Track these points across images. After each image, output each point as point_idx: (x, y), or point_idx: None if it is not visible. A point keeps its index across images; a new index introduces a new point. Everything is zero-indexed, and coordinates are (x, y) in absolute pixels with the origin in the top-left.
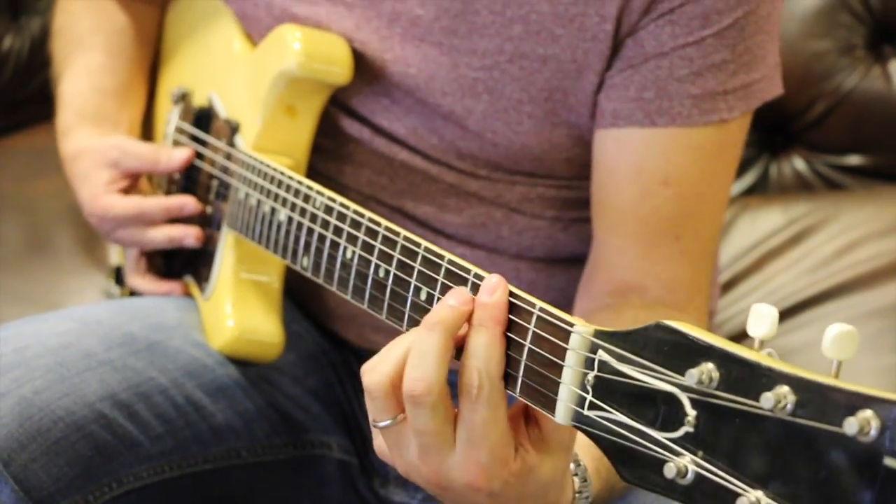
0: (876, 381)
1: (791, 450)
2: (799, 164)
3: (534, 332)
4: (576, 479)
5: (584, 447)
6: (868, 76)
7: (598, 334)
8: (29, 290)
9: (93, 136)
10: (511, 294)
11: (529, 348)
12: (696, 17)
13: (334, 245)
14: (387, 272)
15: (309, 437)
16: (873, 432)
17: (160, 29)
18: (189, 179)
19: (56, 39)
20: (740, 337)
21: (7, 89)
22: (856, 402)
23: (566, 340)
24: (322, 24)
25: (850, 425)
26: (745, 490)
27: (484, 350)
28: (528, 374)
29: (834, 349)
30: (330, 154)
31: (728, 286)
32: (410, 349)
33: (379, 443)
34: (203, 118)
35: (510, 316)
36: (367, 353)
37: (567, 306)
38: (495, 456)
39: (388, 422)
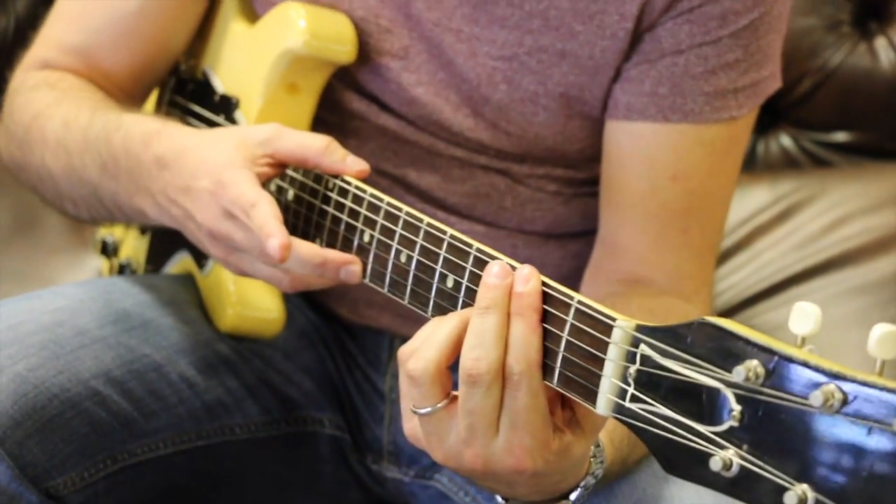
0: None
1: (839, 446)
2: (786, 140)
3: (572, 324)
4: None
5: None
6: (854, 53)
7: (641, 329)
8: (19, 268)
9: (198, 130)
10: (547, 286)
11: (568, 340)
12: (715, 18)
13: (350, 228)
14: (409, 258)
15: (301, 414)
16: None
17: None
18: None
19: (66, 114)
20: (728, 313)
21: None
22: None
23: (608, 334)
24: (331, 4)
25: None
26: (791, 484)
27: (523, 338)
28: (567, 365)
29: (879, 348)
30: (332, 127)
31: (716, 262)
32: (468, 331)
33: (412, 429)
34: (198, 92)
35: (546, 307)
36: (359, 329)
37: (562, 282)
38: (537, 439)
39: (429, 409)
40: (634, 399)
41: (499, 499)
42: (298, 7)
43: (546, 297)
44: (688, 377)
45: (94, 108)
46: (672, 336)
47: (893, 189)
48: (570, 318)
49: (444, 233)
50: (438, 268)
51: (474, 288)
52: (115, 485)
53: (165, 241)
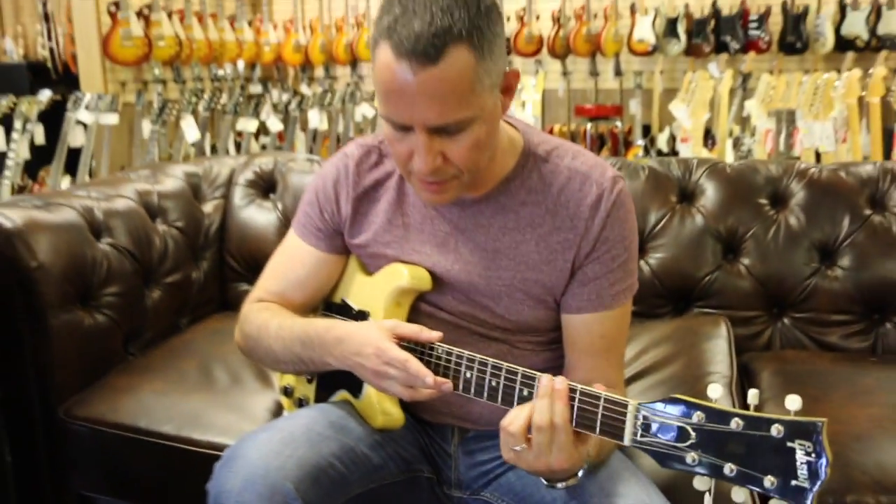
0: None
1: (745, 446)
2: None
3: (603, 406)
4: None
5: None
6: None
7: (640, 405)
8: (234, 403)
9: (356, 322)
10: (584, 390)
11: (602, 413)
12: (609, 260)
13: (456, 371)
14: (497, 383)
15: (413, 468)
16: (783, 434)
17: None
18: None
19: (279, 321)
20: None
21: (195, 300)
22: (773, 421)
23: (625, 409)
24: (415, 263)
25: (773, 430)
26: (724, 464)
27: (560, 410)
28: (603, 426)
29: (753, 399)
30: (413, 322)
31: None
32: (535, 409)
33: (511, 457)
34: (340, 310)
35: (586, 398)
36: (435, 424)
37: None
38: (570, 453)
39: (520, 448)
40: (643, 436)
41: (543, 481)
42: (402, 265)
43: (587, 394)
44: (668, 422)
45: (292, 318)
46: (657, 405)
47: (659, 336)
48: (601, 403)
49: (502, 366)
50: (517, 386)
51: (524, 391)
52: None
53: (326, 386)
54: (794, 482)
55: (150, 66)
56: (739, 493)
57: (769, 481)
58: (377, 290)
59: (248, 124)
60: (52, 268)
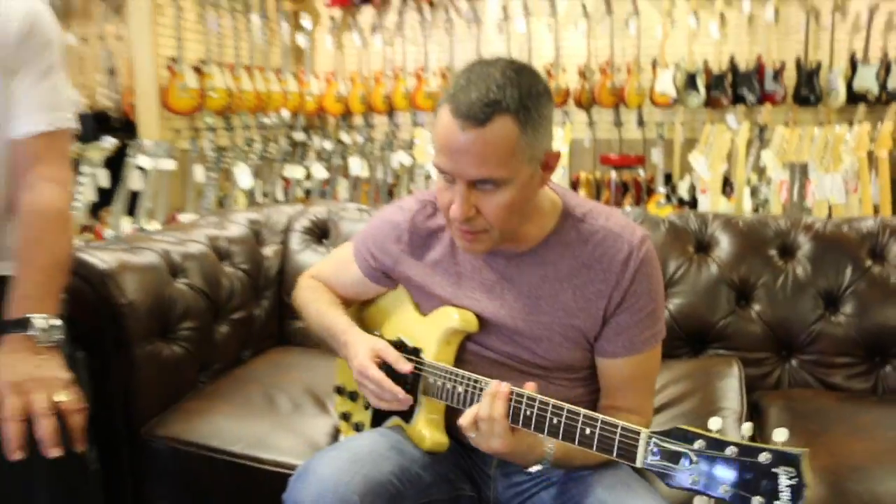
0: None
1: (737, 470)
2: None
3: (620, 433)
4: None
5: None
6: None
7: (651, 433)
8: (295, 427)
9: (361, 334)
10: (604, 419)
11: (619, 440)
12: (638, 310)
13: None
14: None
15: (456, 486)
16: (770, 461)
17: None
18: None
19: (318, 306)
20: None
21: (257, 335)
22: (762, 450)
23: (637, 436)
24: (465, 307)
25: (762, 458)
26: (719, 485)
27: (498, 407)
28: (619, 450)
29: (747, 431)
30: (461, 359)
31: None
32: (479, 408)
33: (471, 440)
34: (396, 346)
35: (606, 426)
36: (475, 449)
37: None
38: (507, 440)
39: (473, 435)
40: (652, 459)
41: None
42: (453, 309)
43: (607, 422)
44: (674, 449)
45: (328, 305)
46: (665, 434)
47: (677, 374)
48: (618, 430)
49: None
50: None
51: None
52: None
53: (381, 413)
54: (777, 503)
55: (203, 115)
56: None
57: (757, 501)
58: (430, 331)
59: (295, 171)
60: (139, 305)
